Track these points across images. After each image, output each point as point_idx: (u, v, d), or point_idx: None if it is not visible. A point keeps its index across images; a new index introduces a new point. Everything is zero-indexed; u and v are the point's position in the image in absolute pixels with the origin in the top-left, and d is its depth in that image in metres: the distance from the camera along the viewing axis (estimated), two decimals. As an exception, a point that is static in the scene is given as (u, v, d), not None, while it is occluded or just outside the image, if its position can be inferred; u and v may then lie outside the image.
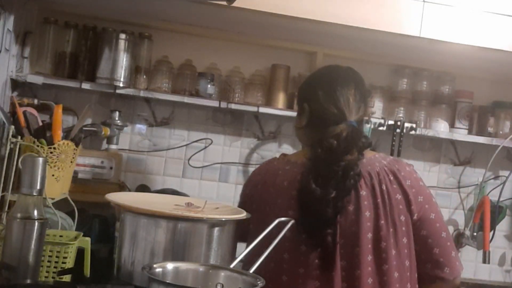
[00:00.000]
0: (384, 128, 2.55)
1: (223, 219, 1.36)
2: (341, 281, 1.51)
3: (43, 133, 1.93)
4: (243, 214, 1.42)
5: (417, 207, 1.57)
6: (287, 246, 1.51)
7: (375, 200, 1.54)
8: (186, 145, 2.58)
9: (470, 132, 2.70)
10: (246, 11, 2.06)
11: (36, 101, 2.26)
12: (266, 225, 1.37)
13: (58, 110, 1.96)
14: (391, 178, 1.56)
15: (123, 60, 2.34)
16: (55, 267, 1.57)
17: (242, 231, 1.48)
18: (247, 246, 1.33)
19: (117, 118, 2.43)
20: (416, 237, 1.58)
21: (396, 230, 1.54)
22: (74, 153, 1.98)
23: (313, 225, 1.49)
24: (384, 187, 1.54)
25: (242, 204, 1.65)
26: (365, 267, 1.51)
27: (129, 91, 2.38)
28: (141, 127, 2.56)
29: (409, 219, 1.56)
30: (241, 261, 1.30)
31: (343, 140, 1.52)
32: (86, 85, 2.33)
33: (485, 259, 2.56)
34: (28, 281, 1.40)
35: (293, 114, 2.49)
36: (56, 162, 1.91)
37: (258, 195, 1.62)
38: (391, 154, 2.55)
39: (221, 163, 2.60)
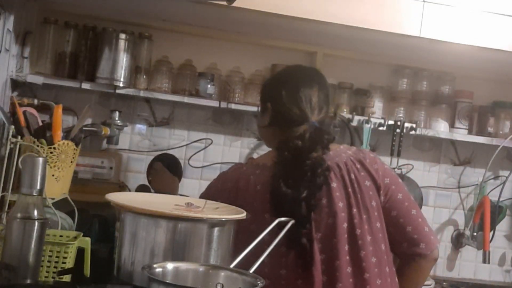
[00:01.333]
0: (384, 128, 2.55)
1: (223, 219, 1.36)
2: (321, 275, 1.52)
3: (43, 133, 1.93)
4: (243, 214, 1.42)
5: (384, 190, 1.60)
6: (266, 250, 1.51)
7: (346, 190, 1.56)
8: (186, 145, 2.58)
9: (470, 132, 2.70)
10: (246, 11, 2.07)
11: (36, 101, 2.26)
12: (245, 231, 1.37)
13: (58, 110, 1.96)
14: (358, 166, 1.59)
15: (123, 60, 2.34)
16: (55, 267, 1.57)
17: None
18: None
19: (117, 118, 2.43)
20: (387, 219, 1.60)
21: (369, 216, 1.56)
22: (74, 153, 1.98)
23: (290, 232, 1.48)
24: (353, 176, 1.57)
25: None
26: (343, 256, 1.53)
27: (129, 91, 2.38)
28: (141, 127, 2.56)
29: (379, 203, 1.59)
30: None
31: (307, 140, 1.54)
32: (86, 85, 2.33)
33: (485, 259, 2.57)
34: (28, 281, 1.40)
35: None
36: (56, 162, 1.91)
37: (232, 203, 1.56)
38: (391, 154, 2.55)
39: (221, 163, 2.60)
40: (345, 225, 1.54)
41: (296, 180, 1.52)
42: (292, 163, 1.53)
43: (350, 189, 1.56)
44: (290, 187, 1.51)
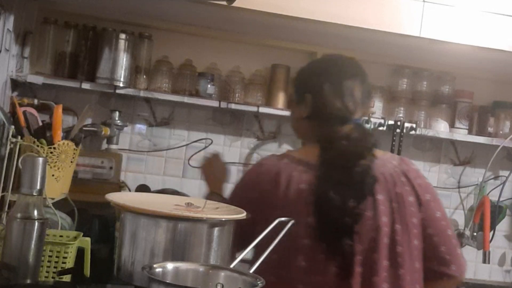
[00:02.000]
0: (384, 128, 2.54)
1: (223, 219, 1.36)
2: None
3: (43, 133, 1.94)
4: (243, 214, 1.41)
5: (424, 206, 1.55)
6: (304, 254, 1.46)
7: (391, 204, 1.50)
8: (186, 145, 2.58)
9: (470, 132, 2.70)
10: (246, 11, 2.07)
11: (36, 101, 2.25)
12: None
13: (58, 110, 1.96)
14: (403, 179, 1.53)
15: (123, 60, 2.34)
16: (55, 267, 1.57)
17: (242, 239, 1.34)
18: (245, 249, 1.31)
19: (117, 118, 2.43)
20: (422, 235, 1.55)
21: (409, 233, 1.51)
22: (74, 153, 1.99)
23: (332, 234, 1.44)
24: (398, 190, 1.51)
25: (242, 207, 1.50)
26: (382, 272, 1.47)
27: (129, 91, 2.38)
28: (141, 127, 2.56)
29: (419, 220, 1.53)
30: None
31: (354, 141, 1.48)
32: (86, 85, 2.33)
33: (485, 259, 2.57)
34: (28, 281, 1.40)
35: (293, 114, 2.51)
36: (56, 162, 1.91)
37: (269, 198, 1.49)
38: (391, 154, 2.55)
39: (221, 163, 2.60)
40: (387, 240, 1.48)
41: (344, 187, 1.45)
42: (339, 167, 1.46)
43: (394, 204, 1.50)
44: (337, 193, 1.44)
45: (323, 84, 1.55)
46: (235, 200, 1.54)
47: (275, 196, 1.48)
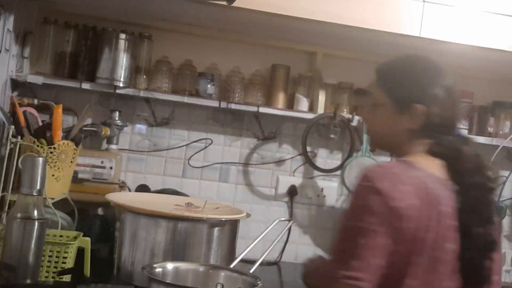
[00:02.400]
0: (384, 128, 2.54)
1: (223, 219, 1.36)
2: None
3: (43, 133, 1.94)
4: (243, 214, 1.42)
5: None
6: (443, 283, 1.35)
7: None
8: (186, 145, 2.58)
9: (470, 132, 2.70)
10: (246, 11, 2.06)
11: (36, 101, 2.26)
12: (429, 256, 1.28)
13: (58, 110, 1.96)
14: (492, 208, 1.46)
15: (123, 60, 2.34)
16: (55, 267, 1.57)
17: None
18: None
19: (117, 118, 2.43)
20: None
21: (498, 261, 1.46)
22: (74, 153, 1.99)
23: (472, 263, 1.36)
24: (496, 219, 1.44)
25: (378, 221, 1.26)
26: None
27: (129, 91, 2.38)
28: (141, 127, 2.56)
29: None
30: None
31: (484, 164, 1.40)
32: (86, 85, 2.33)
33: (485, 259, 2.56)
34: (28, 281, 1.41)
35: (293, 114, 2.51)
36: (56, 162, 1.91)
37: (414, 215, 1.27)
38: (391, 154, 2.54)
39: (221, 163, 2.60)
40: (491, 269, 1.42)
41: (482, 213, 1.36)
42: (478, 189, 1.37)
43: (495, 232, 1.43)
44: (478, 219, 1.35)
45: (436, 93, 1.41)
46: (365, 213, 1.27)
47: (420, 215, 1.28)
